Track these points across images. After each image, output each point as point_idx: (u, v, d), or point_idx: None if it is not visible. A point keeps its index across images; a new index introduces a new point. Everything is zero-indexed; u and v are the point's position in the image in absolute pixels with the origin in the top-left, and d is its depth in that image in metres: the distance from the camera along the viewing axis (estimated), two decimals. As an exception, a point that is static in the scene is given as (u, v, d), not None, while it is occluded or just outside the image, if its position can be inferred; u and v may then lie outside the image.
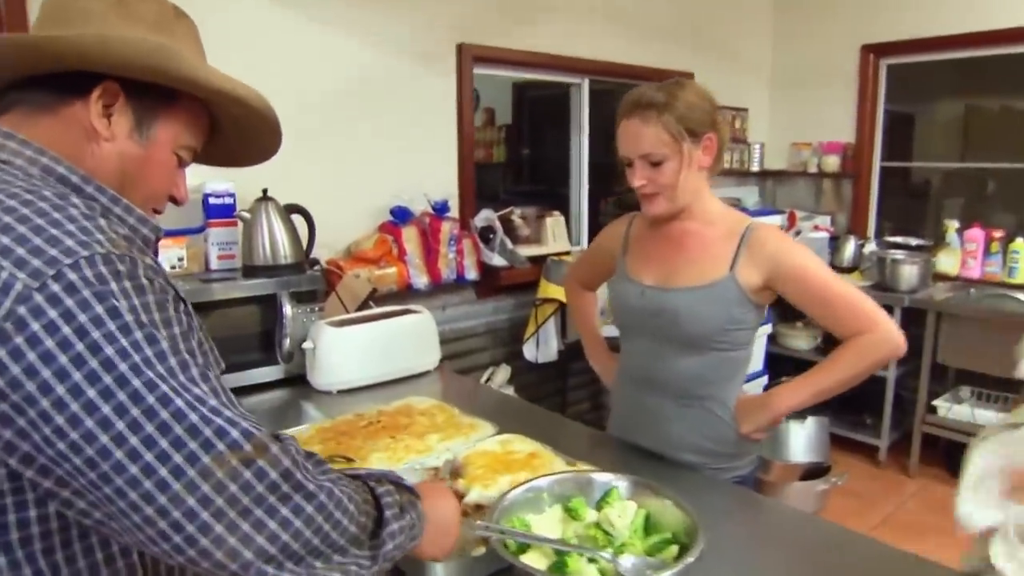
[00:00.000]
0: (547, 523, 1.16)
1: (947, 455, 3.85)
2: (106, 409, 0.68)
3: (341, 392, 2.11)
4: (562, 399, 3.50)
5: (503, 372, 3.35)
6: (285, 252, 2.22)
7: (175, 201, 0.98)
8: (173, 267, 2.18)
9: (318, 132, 2.76)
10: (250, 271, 2.20)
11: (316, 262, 2.60)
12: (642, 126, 1.45)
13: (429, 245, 2.92)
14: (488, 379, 3.32)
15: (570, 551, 1.05)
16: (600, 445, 1.73)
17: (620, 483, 1.21)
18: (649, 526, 1.16)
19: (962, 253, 3.98)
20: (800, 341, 4.19)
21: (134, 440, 0.68)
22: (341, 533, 0.81)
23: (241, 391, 2.10)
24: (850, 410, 3.94)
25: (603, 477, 1.23)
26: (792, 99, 4.78)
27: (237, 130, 1.01)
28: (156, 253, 0.93)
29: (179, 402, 0.71)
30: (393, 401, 1.86)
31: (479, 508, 1.38)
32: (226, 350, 2.21)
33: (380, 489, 0.90)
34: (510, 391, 3.33)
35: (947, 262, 4.00)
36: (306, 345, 2.09)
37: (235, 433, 0.73)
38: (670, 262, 1.55)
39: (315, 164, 2.76)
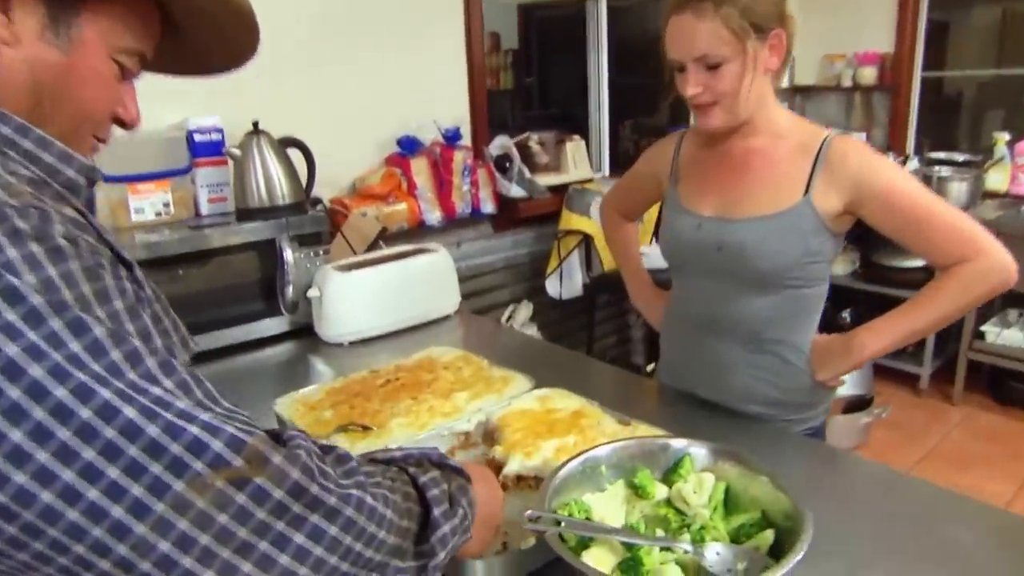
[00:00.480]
0: (609, 504, 0.97)
1: (992, 383, 3.66)
2: (16, 436, 0.47)
3: (353, 344, 1.92)
4: (588, 335, 3.31)
5: (525, 310, 3.16)
6: (282, 192, 1.99)
7: (122, 124, 0.76)
8: (159, 214, 1.96)
9: (314, 56, 2.49)
10: (244, 214, 1.98)
11: (318, 201, 2.38)
12: (697, 22, 1.19)
13: (441, 177, 2.68)
14: (509, 318, 3.13)
15: (642, 544, 0.85)
16: (651, 397, 1.53)
17: (695, 450, 1.01)
18: (730, 502, 0.96)
19: (1012, 168, 3.70)
20: (835, 266, 3.95)
21: (68, 474, 0.48)
22: (378, 548, 0.62)
23: (243, 348, 1.92)
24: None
25: (674, 443, 1.02)
26: (824, 8, 4.41)
27: (199, 26, 0.77)
28: (92, 205, 0.71)
29: (130, 410, 0.50)
30: (412, 353, 1.66)
31: (520, 480, 1.19)
32: (224, 302, 2.04)
33: (424, 478, 0.70)
34: (532, 329, 3.14)
35: (996, 179, 3.72)
36: (311, 293, 1.89)
37: (217, 444, 0.53)
38: (732, 187, 1.32)
39: (311, 92, 2.50)
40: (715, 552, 0.86)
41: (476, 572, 0.94)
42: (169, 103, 2.09)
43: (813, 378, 1.34)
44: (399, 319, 1.98)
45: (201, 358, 1.86)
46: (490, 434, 1.33)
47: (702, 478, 0.97)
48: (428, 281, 2.04)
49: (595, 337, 3.34)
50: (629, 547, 0.86)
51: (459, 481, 0.74)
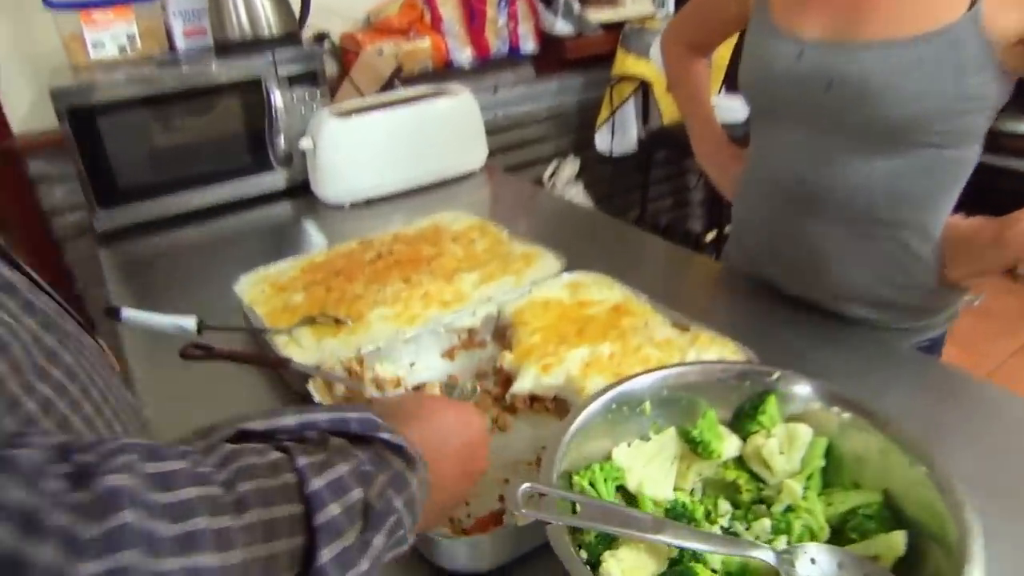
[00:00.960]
0: (653, 463, 0.66)
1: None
2: None
3: (355, 206, 1.60)
4: (641, 197, 2.93)
5: (570, 166, 2.77)
6: (269, 21, 1.62)
7: None
8: (123, 49, 1.62)
9: None
10: (224, 49, 1.62)
11: (324, 37, 1.99)
12: None
13: (473, 8, 2.24)
14: (552, 175, 2.76)
15: (695, 547, 0.55)
16: (717, 289, 1.19)
17: (789, 387, 0.68)
18: (833, 471, 0.65)
19: None
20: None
21: None
22: None
23: (232, 208, 1.62)
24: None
25: (755, 373, 0.70)
26: None
27: None
28: None
29: None
30: (420, 220, 1.34)
31: (536, 401, 0.90)
32: (206, 156, 1.65)
33: (316, 483, 0.39)
34: (578, 189, 2.78)
35: None
36: (303, 143, 1.56)
37: None
38: (851, 1, 0.91)
39: None
40: (809, 559, 0.55)
41: (456, 555, 0.66)
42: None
43: (942, 275, 0.98)
44: (411, 176, 1.64)
45: (181, 220, 1.58)
46: (501, 332, 1.03)
47: (795, 431, 0.65)
48: (448, 130, 1.68)
49: (648, 199, 2.95)
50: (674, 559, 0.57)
51: (391, 470, 0.43)
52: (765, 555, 0.54)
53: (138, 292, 1.35)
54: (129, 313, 0.95)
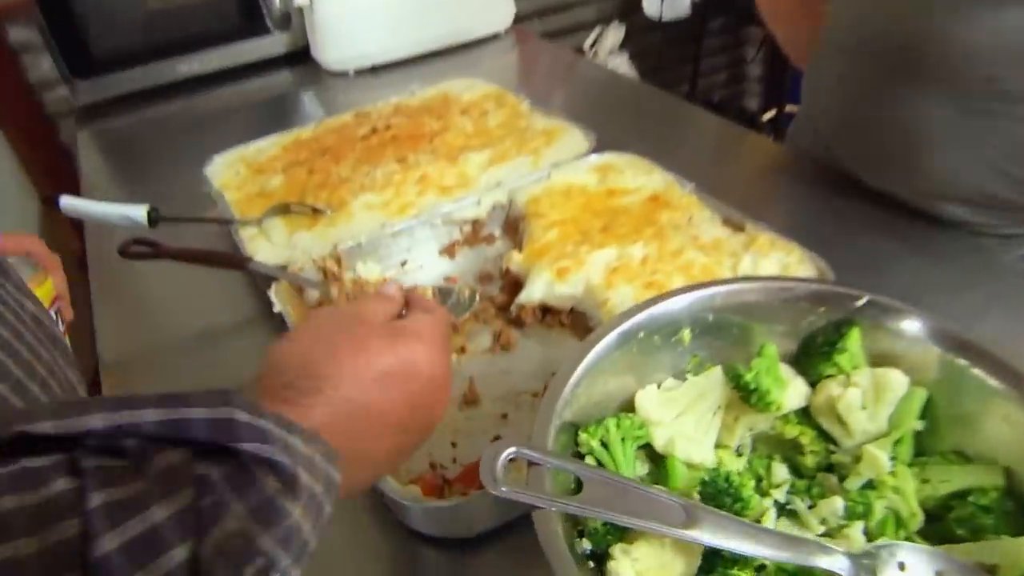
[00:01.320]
0: (690, 415, 0.50)
1: None
2: None
3: (360, 74, 1.40)
4: (692, 70, 2.64)
5: (614, 33, 2.48)
6: None
7: None
8: None
9: None
10: None
11: None
12: None
13: None
14: (594, 44, 2.48)
15: (740, 550, 0.39)
16: (783, 181, 0.99)
17: (881, 318, 0.50)
18: (931, 434, 0.48)
19: None
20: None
21: None
22: None
23: (225, 77, 1.44)
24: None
25: (832, 294, 0.51)
26: None
27: None
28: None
29: None
30: (428, 88, 1.15)
31: (548, 313, 0.73)
32: (195, 17, 1.26)
33: (107, 545, 0.23)
34: (622, 59, 2.50)
35: None
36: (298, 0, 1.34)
37: None
38: None
39: None
40: (896, 566, 0.39)
41: (432, 521, 0.53)
42: None
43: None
44: (424, 38, 1.43)
45: (167, 91, 1.41)
46: (513, 225, 0.85)
47: (884, 379, 0.47)
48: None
49: (700, 72, 2.65)
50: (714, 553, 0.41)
51: (258, 495, 0.27)
52: (837, 565, 0.38)
53: (115, 176, 1.21)
54: (69, 202, 0.79)
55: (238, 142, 1.02)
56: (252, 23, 1.43)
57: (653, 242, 0.74)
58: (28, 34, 1.64)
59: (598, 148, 0.91)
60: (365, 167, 0.91)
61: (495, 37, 1.51)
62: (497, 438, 0.60)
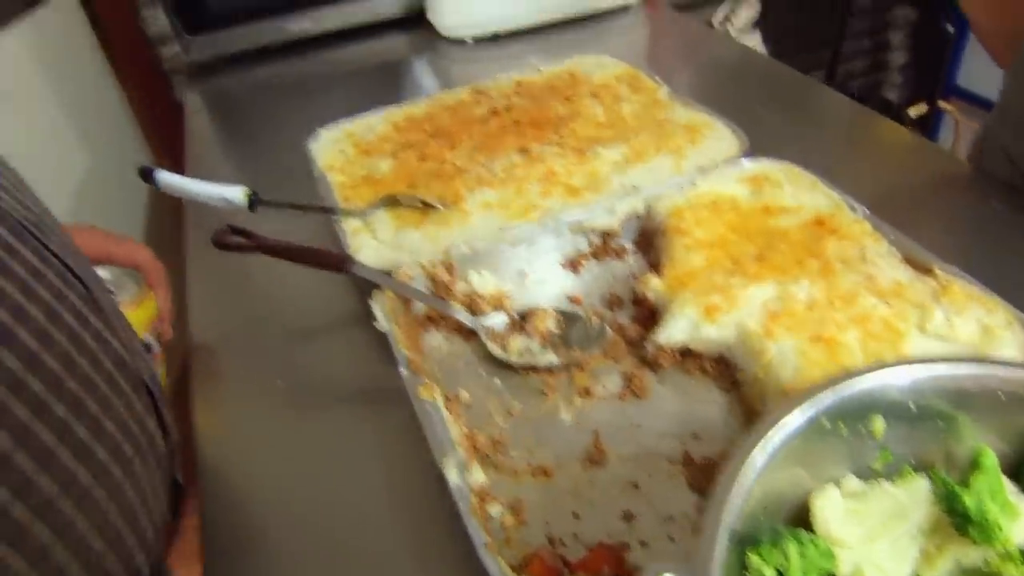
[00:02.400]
0: (881, 532, 0.38)
1: None
2: None
3: (480, 42, 1.30)
4: (832, 54, 2.41)
5: (749, 8, 2.28)
6: None
7: None
8: None
9: None
10: None
11: None
12: None
13: None
14: (725, 19, 2.29)
15: None
16: (976, 210, 0.82)
17: None
18: None
19: None
20: None
21: None
22: None
23: (338, 37, 1.36)
24: None
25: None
26: None
27: None
28: None
29: None
30: (553, 64, 1.03)
31: (689, 357, 0.62)
32: None
33: None
34: (755, 39, 2.30)
35: None
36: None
37: None
38: None
39: None
40: None
41: None
42: None
43: None
44: (550, 5, 1.30)
45: (277, 51, 1.35)
46: (648, 238, 0.74)
47: None
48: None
49: (841, 57, 2.42)
50: None
51: None
52: None
53: (219, 142, 1.15)
54: (165, 177, 0.73)
55: (346, 111, 0.93)
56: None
57: (820, 280, 0.61)
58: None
59: (746, 151, 0.78)
60: (482, 156, 0.80)
61: (625, 8, 1.37)
62: (628, 515, 0.50)
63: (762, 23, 2.28)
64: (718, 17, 2.27)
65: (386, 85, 1.23)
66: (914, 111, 2.27)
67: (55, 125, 1.18)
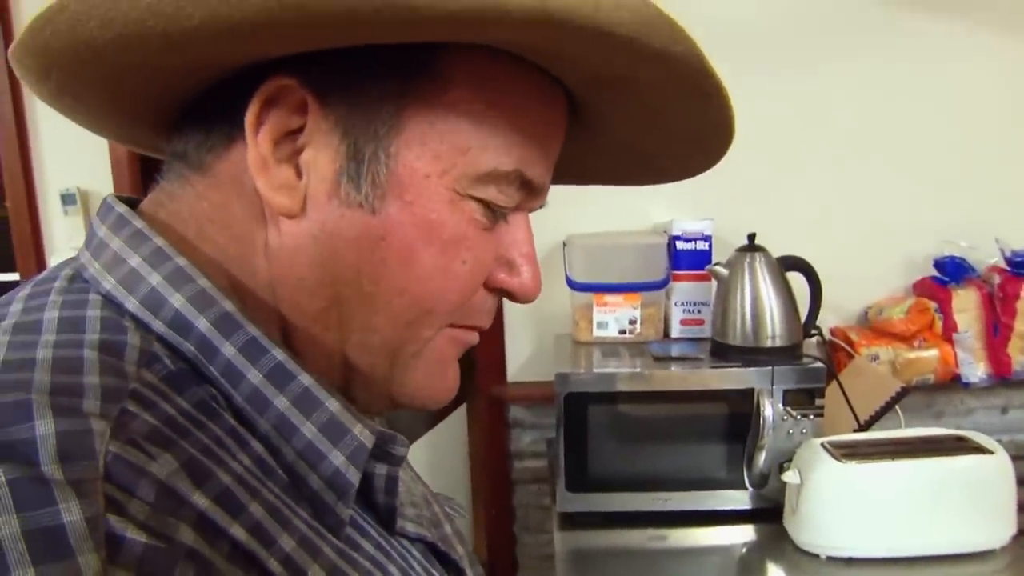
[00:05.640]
0: None
1: None
2: None
3: (832, 560, 1.36)
4: None
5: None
6: (774, 329, 1.54)
7: (511, 296, 0.51)
8: (623, 332, 1.68)
9: (819, 151, 1.98)
10: (720, 351, 1.57)
11: (816, 331, 1.86)
12: None
13: (995, 319, 1.91)
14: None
15: None
16: None
17: None
18: None
19: None
20: None
21: None
22: None
23: (687, 519, 1.52)
24: None
25: None
26: None
27: (635, 113, 0.47)
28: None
29: None
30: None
31: None
32: (678, 458, 1.49)
33: None
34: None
35: None
36: (788, 477, 1.39)
37: None
38: None
39: (824, 191, 1.99)
40: None
41: None
42: (656, 198, 1.84)
43: None
44: (908, 542, 1.35)
45: (637, 517, 1.52)
46: None
47: None
48: (966, 493, 1.36)
49: None
50: None
51: None
52: None
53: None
54: None
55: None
56: (731, 476, 1.52)
57: None
58: (523, 413, 1.97)
59: None
60: None
61: (991, 552, 1.37)
62: None
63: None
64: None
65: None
66: None
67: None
